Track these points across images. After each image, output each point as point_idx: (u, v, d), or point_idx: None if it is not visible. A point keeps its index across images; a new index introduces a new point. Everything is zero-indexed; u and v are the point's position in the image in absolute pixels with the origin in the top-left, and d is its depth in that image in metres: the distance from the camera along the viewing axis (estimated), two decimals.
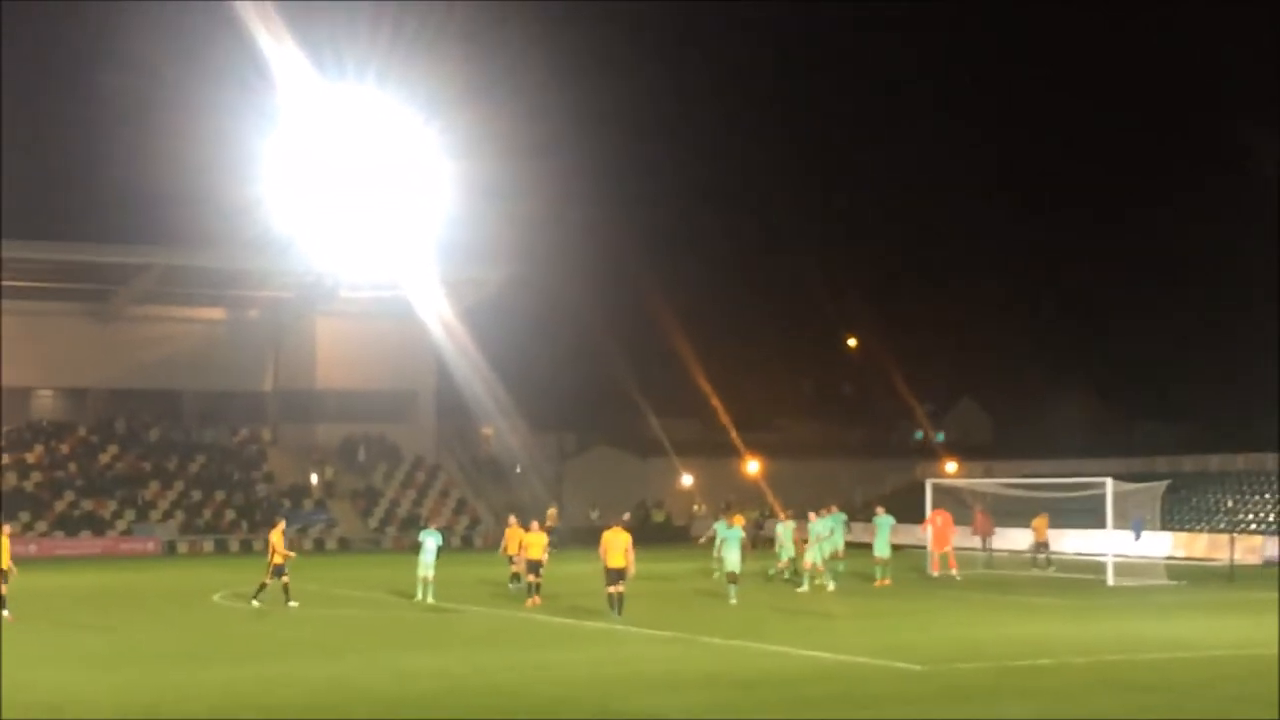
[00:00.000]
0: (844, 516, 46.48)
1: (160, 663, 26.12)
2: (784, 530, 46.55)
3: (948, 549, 48.44)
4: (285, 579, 37.93)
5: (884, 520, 46.29)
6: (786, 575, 45.42)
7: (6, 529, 36.45)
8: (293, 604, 37.29)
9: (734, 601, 37.11)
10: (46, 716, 19.99)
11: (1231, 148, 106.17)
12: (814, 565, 42.37)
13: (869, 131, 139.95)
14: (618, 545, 34.54)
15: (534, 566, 37.50)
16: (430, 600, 37.87)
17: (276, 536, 38.41)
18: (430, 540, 38.79)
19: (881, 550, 45.71)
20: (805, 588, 41.73)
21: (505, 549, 41.69)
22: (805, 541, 44.25)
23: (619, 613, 33.93)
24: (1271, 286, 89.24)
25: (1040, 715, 19.70)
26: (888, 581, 44.37)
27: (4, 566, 34.44)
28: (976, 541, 55.87)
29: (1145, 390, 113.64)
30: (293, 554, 39.01)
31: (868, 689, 22.47)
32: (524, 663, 25.98)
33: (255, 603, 37.70)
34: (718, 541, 44.10)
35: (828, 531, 43.40)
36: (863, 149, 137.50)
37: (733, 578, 37.93)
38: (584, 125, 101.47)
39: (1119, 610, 36.81)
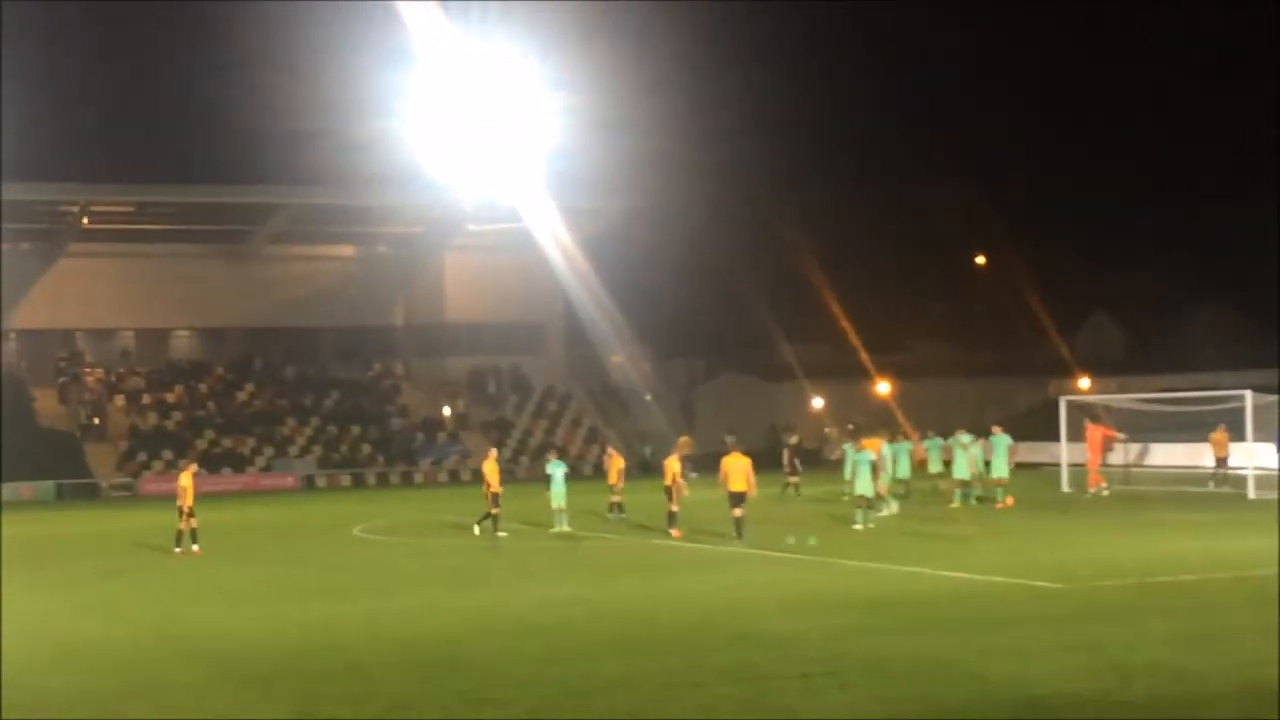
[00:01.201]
0: (1007, 439, 45.25)
1: (305, 597, 26.55)
2: (891, 451, 46.65)
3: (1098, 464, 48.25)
4: (496, 511, 38.42)
5: (1001, 440, 45.15)
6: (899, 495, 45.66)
7: (192, 468, 37.33)
8: (501, 534, 37.99)
9: (858, 526, 36.86)
10: (193, 649, 20.41)
11: None
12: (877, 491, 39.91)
13: (992, 51, 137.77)
14: (738, 469, 34.88)
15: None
16: (566, 529, 38.18)
17: (490, 467, 38.88)
18: (558, 470, 39.08)
19: (1000, 471, 44.69)
20: (885, 512, 40.52)
21: (608, 478, 42.02)
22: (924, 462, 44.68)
23: (741, 536, 34.17)
24: None
25: (1184, 631, 19.50)
26: (1010, 502, 43.68)
27: (188, 505, 35.25)
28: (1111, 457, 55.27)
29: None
30: (499, 489, 38.97)
31: (1007, 608, 22.35)
32: (659, 589, 26.13)
33: (476, 530, 38.57)
34: (848, 465, 44.23)
35: (892, 456, 43.84)
36: (986, 68, 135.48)
37: (860, 502, 37.77)
38: (703, 57, 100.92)
39: (1261, 524, 36.23)
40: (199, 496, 36.93)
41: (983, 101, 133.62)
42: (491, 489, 38.57)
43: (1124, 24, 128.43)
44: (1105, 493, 46.97)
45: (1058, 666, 17.03)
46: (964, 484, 44.71)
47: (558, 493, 38.71)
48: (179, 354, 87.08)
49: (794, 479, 50.85)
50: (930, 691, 15.93)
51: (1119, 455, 56.20)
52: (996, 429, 46.34)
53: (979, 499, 44.83)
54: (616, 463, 42.08)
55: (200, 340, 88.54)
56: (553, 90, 70.46)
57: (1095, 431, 49.81)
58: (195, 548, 35.09)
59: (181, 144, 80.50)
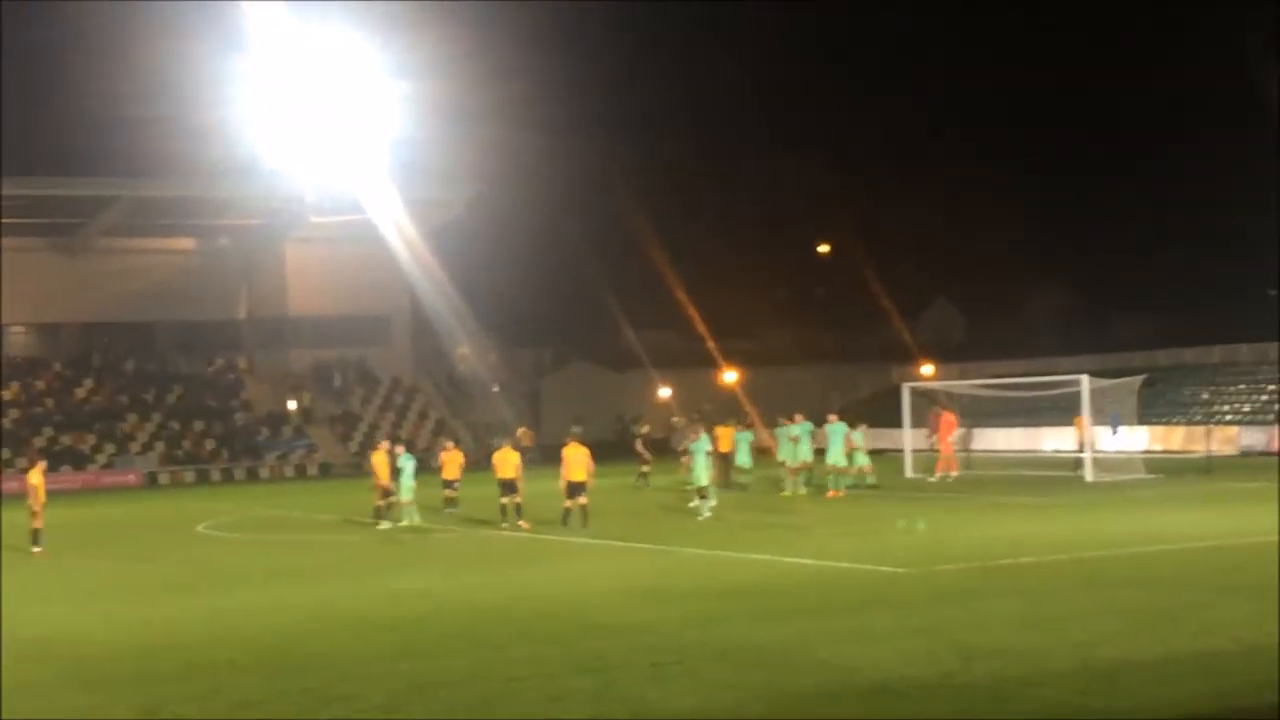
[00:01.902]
0: (843, 427, 44.83)
1: (149, 595, 26.21)
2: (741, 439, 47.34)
3: (948, 451, 48.77)
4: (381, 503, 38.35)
5: (837, 428, 44.57)
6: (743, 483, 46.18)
7: (42, 465, 36.56)
8: (384, 525, 37.81)
9: (701, 517, 36.70)
10: (39, 651, 20.05)
11: (1204, 29, 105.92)
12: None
13: (842, 31, 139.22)
14: (578, 459, 35.26)
15: (507, 487, 36.58)
16: (417, 521, 37.96)
17: (379, 459, 38.84)
18: (408, 464, 38.74)
19: (835, 459, 44.04)
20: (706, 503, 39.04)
21: (443, 472, 41.23)
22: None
23: (585, 525, 34.59)
24: (1245, 178, 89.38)
25: (1024, 613, 19.90)
26: (840, 493, 43.21)
27: (38, 505, 34.54)
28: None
29: (1119, 285, 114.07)
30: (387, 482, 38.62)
31: (853, 594, 22.65)
32: (508, 581, 26.13)
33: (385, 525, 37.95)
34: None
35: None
36: (836, 51, 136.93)
37: (701, 492, 37.56)
38: (545, 44, 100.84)
39: (1098, 506, 37.11)
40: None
41: (825, 84, 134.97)
42: (380, 482, 38.35)
43: (959, 14, 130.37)
44: (952, 477, 47.59)
45: (902, 650, 17.30)
46: (795, 471, 45.01)
47: (407, 486, 38.41)
48: (14, 350, 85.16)
49: (646, 468, 50.98)
50: (778, 678, 16.12)
51: (958, 441, 57.14)
52: (832, 417, 45.90)
53: (810, 485, 45.19)
54: (456, 457, 41.70)
55: (35, 336, 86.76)
56: (395, 78, 70.03)
57: (946, 417, 50.48)
58: (36, 548, 34.36)
59: (11, 133, 78.71)
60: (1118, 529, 30.95)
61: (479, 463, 49.89)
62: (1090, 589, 22.10)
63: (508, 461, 36.90)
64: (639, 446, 51.54)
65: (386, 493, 38.56)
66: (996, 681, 15.53)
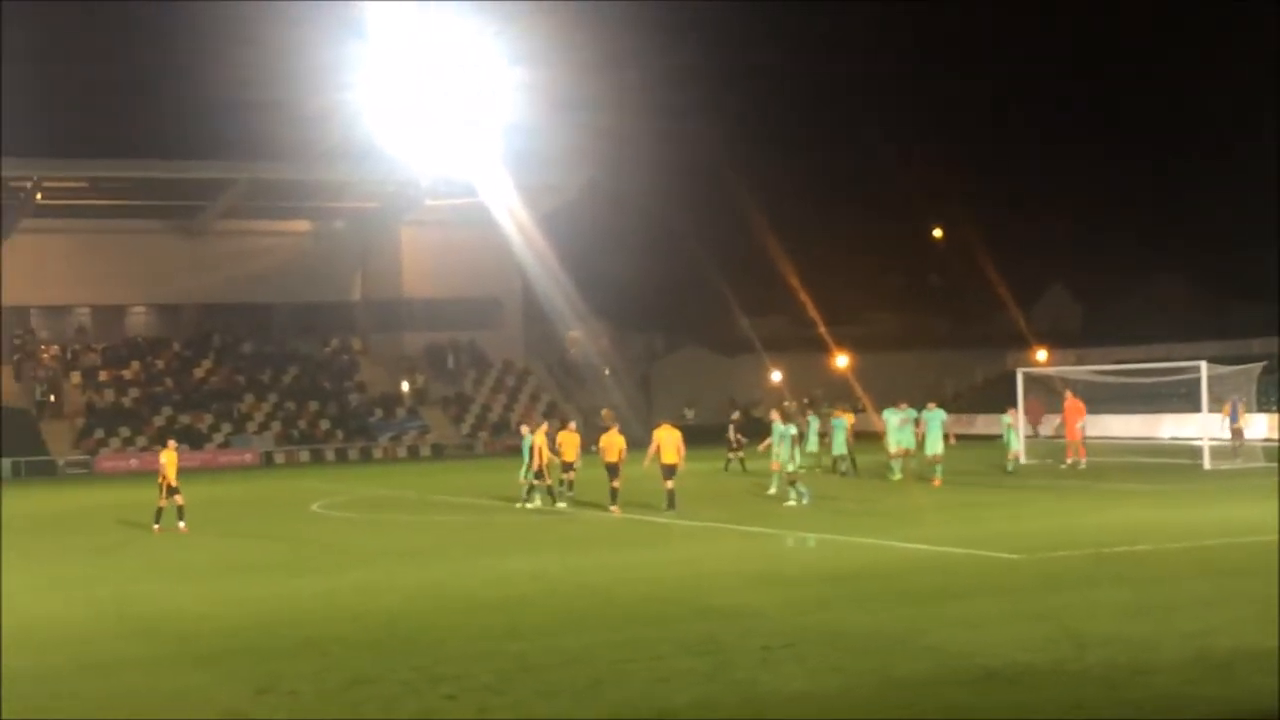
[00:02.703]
0: (942, 414, 44.12)
1: (263, 573, 26.53)
2: (837, 425, 46.95)
3: (1077, 438, 47.94)
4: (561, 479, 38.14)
5: (934, 415, 43.71)
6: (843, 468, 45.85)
7: (173, 444, 37.13)
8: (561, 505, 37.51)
9: (791, 503, 36.24)
10: (150, 626, 20.37)
11: None
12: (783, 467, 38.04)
13: (961, 18, 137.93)
14: (670, 442, 35.34)
15: (611, 470, 36.25)
16: (537, 503, 37.83)
17: (567, 437, 38.52)
18: (526, 445, 38.42)
19: (934, 448, 42.86)
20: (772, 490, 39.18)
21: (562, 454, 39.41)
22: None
23: (673, 507, 34.62)
24: None
25: (1138, 600, 19.66)
26: (938, 482, 41.52)
27: (173, 482, 35.08)
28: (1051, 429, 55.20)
29: (1238, 271, 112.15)
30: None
31: (965, 579, 22.48)
32: (618, 563, 26.18)
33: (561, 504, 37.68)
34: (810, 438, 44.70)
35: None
36: (949, 40, 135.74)
37: (788, 477, 37.18)
38: (659, 32, 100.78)
39: (1215, 495, 36.57)
40: (152, 473, 36.76)
41: (941, 74, 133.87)
42: (564, 459, 38.16)
43: (1080, 7, 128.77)
44: (1082, 464, 46.73)
45: (1013, 637, 17.14)
46: (894, 456, 44.46)
47: (527, 465, 38.11)
48: (135, 330, 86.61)
49: (738, 453, 50.52)
50: (887, 663, 16.03)
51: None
52: (931, 405, 44.82)
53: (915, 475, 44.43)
54: (574, 439, 41.26)
55: (156, 316, 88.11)
56: (510, 65, 70.34)
57: (1073, 402, 49.51)
58: (181, 525, 34.79)
59: (134, 118, 79.97)
60: (1234, 518, 30.48)
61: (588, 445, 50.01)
62: (1205, 578, 21.79)
63: (613, 445, 36.75)
64: (730, 433, 51.24)
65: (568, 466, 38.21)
66: (1108, 669, 15.35)
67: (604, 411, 41.92)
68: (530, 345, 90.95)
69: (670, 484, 35.31)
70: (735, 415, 53.92)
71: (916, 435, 43.98)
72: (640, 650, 17.06)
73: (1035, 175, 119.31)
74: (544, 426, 39.67)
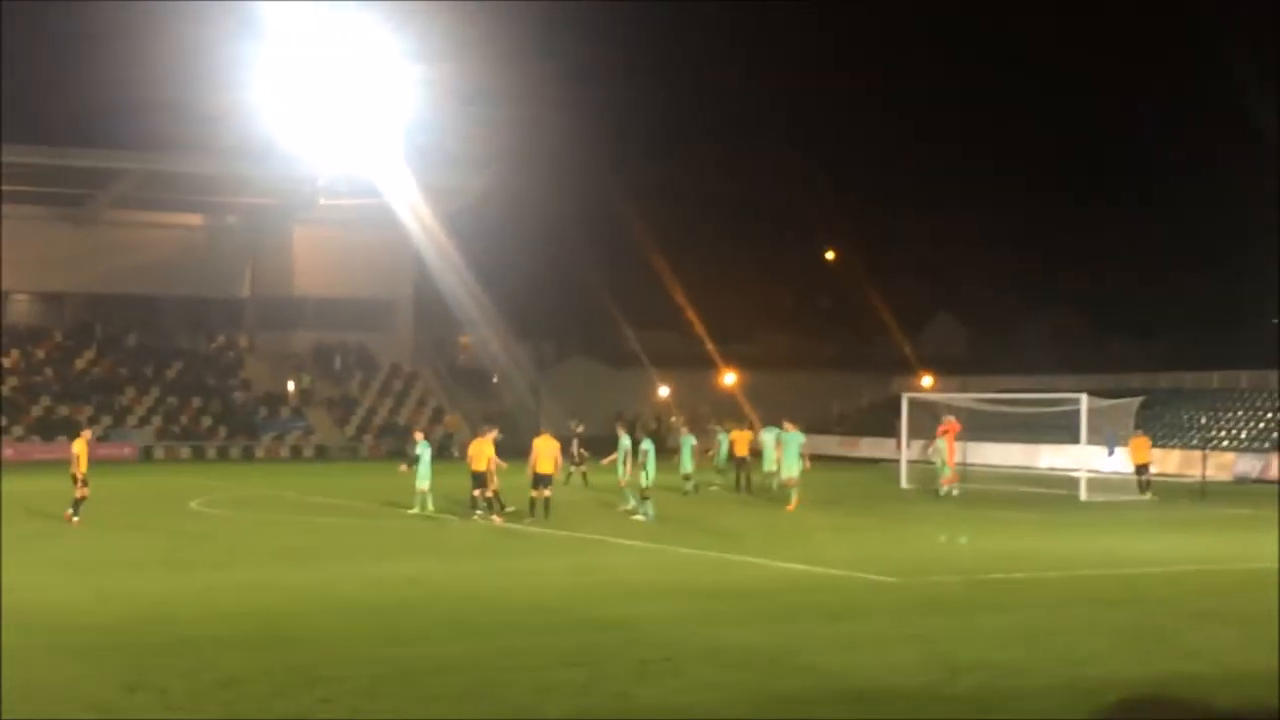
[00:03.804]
0: (800, 436, 42.17)
1: (138, 568, 26.26)
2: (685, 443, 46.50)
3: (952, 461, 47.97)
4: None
5: (792, 437, 41.76)
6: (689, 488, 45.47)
7: (85, 434, 36.60)
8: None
9: (639, 517, 36.32)
10: (26, 620, 20.06)
11: (1200, 58, 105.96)
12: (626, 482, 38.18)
13: (850, 47, 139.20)
14: (548, 452, 35.77)
15: (477, 479, 35.74)
16: (430, 509, 37.41)
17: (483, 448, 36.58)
18: (425, 452, 38.01)
19: (789, 470, 41.28)
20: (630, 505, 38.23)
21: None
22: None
23: (547, 517, 34.92)
24: (1249, 206, 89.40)
25: (1012, 626, 19.91)
26: (792, 507, 39.81)
27: (81, 472, 34.56)
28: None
29: (1122, 308, 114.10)
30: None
31: (842, 600, 22.66)
32: (502, 570, 26.15)
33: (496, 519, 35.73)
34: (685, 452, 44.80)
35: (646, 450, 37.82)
36: (844, 64, 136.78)
37: (644, 493, 36.91)
38: (562, 30, 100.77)
39: (1092, 525, 37.12)
40: (27, 463, 36.23)
41: (837, 98, 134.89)
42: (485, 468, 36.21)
43: (969, 24, 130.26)
44: (956, 492, 46.88)
45: (889, 659, 17.31)
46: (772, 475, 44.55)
47: (423, 473, 37.67)
48: (16, 318, 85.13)
49: (580, 467, 49.56)
50: (763, 681, 16.13)
51: (958, 454, 57.01)
52: (788, 425, 42.63)
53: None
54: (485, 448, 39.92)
55: (39, 304, 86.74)
56: (410, 61, 70.06)
57: (950, 423, 49.72)
58: (75, 518, 34.46)
59: (27, 103, 78.60)
60: (1110, 549, 30.94)
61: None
62: (1080, 607, 22.12)
63: (481, 453, 36.19)
64: (574, 446, 49.03)
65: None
66: (982, 694, 15.54)
67: (447, 418, 41.15)
68: (420, 349, 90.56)
69: (547, 493, 35.64)
70: (579, 428, 52.22)
71: (775, 458, 43.75)
72: (519, 659, 17.06)
73: (926, 202, 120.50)
74: (492, 434, 37.45)
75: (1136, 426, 51.32)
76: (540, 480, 35.79)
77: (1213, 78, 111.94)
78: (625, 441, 38.11)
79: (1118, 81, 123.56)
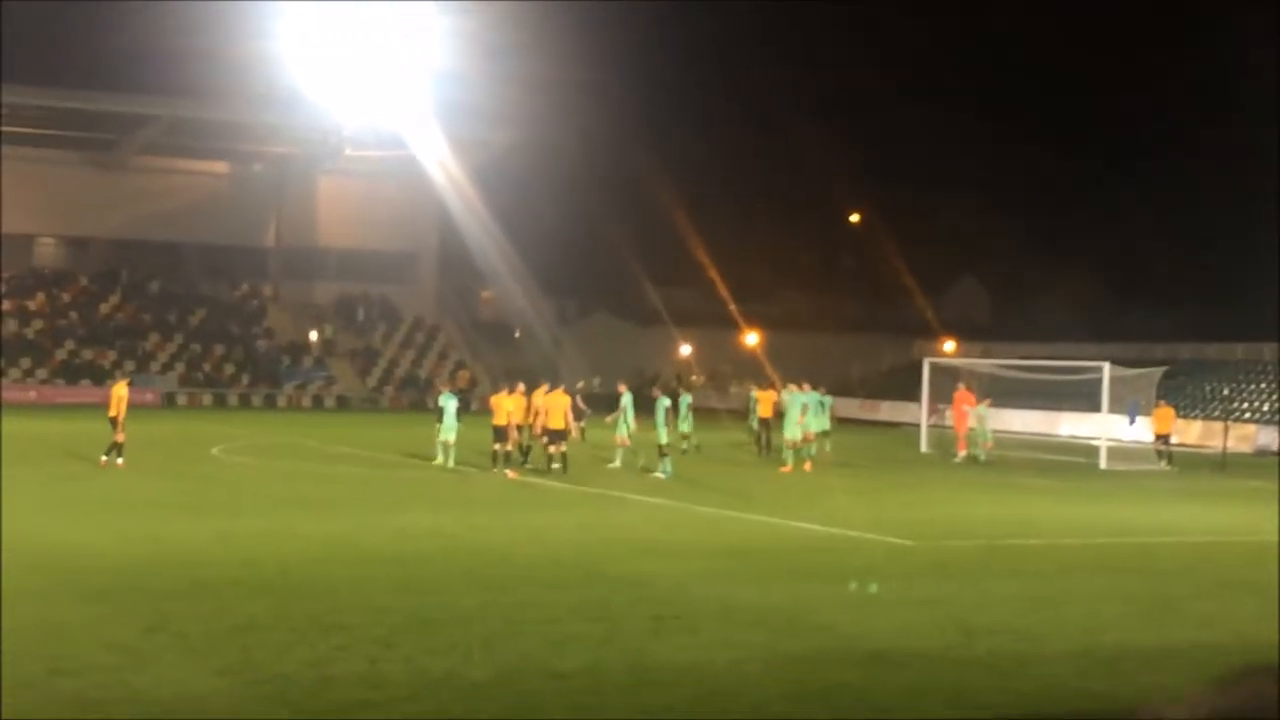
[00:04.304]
0: (801, 398, 41.28)
1: (158, 511, 26.41)
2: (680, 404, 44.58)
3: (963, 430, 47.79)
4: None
5: (795, 398, 40.95)
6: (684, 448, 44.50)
7: (125, 380, 36.82)
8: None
9: (659, 475, 36.36)
10: (41, 561, 20.20)
11: (1235, 15, 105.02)
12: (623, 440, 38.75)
13: (878, 8, 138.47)
14: (558, 407, 36.20)
15: (499, 433, 36.09)
16: (451, 465, 37.53)
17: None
18: (450, 404, 37.93)
19: (790, 431, 40.44)
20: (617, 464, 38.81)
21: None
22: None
23: (565, 470, 35.32)
24: (1272, 175, 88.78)
25: (1028, 593, 19.93)
26: (788, 469, 39.74)
27: (119, 416, 34.81)
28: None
29: (1146, 276, 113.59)
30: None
31: (856, 561, 22.66)
32: (519, 524, 26.21)
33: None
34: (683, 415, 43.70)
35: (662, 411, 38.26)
36: (873, 27, 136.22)
37: (662, 449, 37.29)
38: None
39: (1110, 494, 37.09)
40: (50, 406, 36.44)
41: (864, 58, 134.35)
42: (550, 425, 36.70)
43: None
44: (981, 456, 46.64)
45: (903, 621, 17.34)
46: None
47: (449, 425, 37.49)
48: (42, 261, 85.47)
49: (579, 424, 49.05)
50: (777, 640, 16.16)
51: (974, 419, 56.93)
52: (791, 386, 41.94)
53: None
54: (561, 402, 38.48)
55: (65, 249, 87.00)
56: (440, 13, 69.88)
57: (962, 393, 49.56)
58: (119, 460, 34.84)
59: (56, 47, 78.81)
60: (1127, 518, 30.93)
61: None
62: (1096, 574, 22.13)
63: (501, 407, 36.65)
64: (578, 402, 47.05)
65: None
66: (995, 659, 15.57)
67: (460, 373, 41.57)
68: (443, 302, 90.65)
69: (560, 448, 36.07)
70: (580, 385, 51.62)
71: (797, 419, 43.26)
72: (533, 612, 17.12)
73: (954, 165, 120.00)
74: (519, 389, 37.99)
75: (1159, 397, 51.18)
76: (552, 436, 35.96)
77: (1249, 34, 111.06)
78: (626, 399, 38.48)
79: (1148, 44, 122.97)
